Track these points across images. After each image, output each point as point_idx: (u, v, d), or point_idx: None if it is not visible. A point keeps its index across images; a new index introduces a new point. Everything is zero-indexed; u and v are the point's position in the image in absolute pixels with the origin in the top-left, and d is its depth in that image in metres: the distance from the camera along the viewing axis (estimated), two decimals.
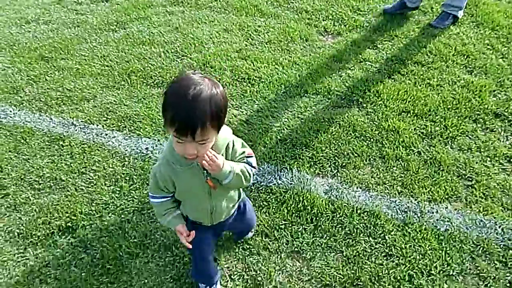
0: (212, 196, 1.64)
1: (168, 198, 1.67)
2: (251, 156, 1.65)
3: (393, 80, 3.26)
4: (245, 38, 3.77)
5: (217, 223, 1.77)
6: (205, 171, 1.53)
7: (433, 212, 2.33)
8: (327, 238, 2.21)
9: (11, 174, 2.59)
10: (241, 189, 1.80)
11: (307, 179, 2.51)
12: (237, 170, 1.56)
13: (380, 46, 3.64)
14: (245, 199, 1.91)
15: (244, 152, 1.63)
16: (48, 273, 2.11)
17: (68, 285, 2.05)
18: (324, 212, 2.32)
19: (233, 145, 1.59)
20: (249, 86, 3.24)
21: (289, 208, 2.34)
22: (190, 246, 1.65)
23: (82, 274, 2.09)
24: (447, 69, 3.35)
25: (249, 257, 2.13)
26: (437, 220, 2.29)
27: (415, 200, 2.39)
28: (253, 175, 1.64)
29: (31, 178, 2.56)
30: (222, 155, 1.55)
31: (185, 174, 1.55)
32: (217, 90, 1.38)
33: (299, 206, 2.35)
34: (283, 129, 2.86)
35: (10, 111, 3.05)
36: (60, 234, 2.27)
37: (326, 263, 2.10)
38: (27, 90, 3.24)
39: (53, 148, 2.76)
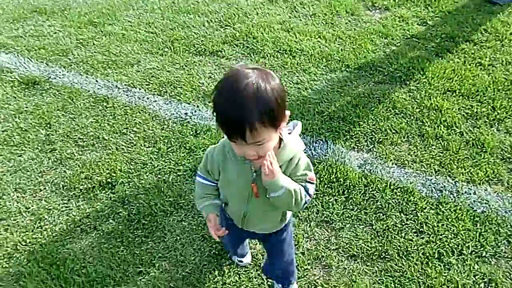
0: (250, 202, 1.50)
1: (213, 184, 1.57)
2: (312, 183, 1.46)
3: (440, 58, 3.18)
4: (289, 10, 3.77)
5: (248, 230, 1.64)
6: (254, 173, 1.41)
7: (470, 193, 2.30)
8: (358, 210, 2.24)
9: (58, 131, 2.78)
10: (287, 216, 1.64)
11: (342, 152, 2.53)
12: (291, 187, 1.38)
13: (430, 23, 3.53)
14: (288, 231, 1.72)
15: (306, 174, 1.44)
16: (88, 223, 2.28)
17: (106, 236, 2.21)
18: (356, 185, 2.34)
19: (298, 162, 1.42)
20: (290, 58, 3.26)
21: (321, 179, 2.38)
22: (217, 239, 1.56)
23: (119, 227, 2.24)
24: (502, 49, 3.22)
25: None
26: (474, 201, 2.26)
27: (452, 180, 2.36)
28: (305, 202, 1.44)
29: (76, 135, 2.74)
30: (281, 166, 1.39)
31: (234, 167, 1.44)
32: (269, 84, 1.21)
33: (332, 177, 2.38)
34: (321, 102, 2.88)
35: (59, 72, 3.24)
36: (100, 189, 2.43)
37: (354, 234, 2.14)
38: (76, 53, 3.42)
39: (97, 108, 2.92)
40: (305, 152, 2.50)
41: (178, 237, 2.18)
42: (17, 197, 2.40)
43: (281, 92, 1.24)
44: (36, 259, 2.10)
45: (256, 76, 1.21)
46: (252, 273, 2.01)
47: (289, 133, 1.43)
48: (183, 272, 2.04)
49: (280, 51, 3.34)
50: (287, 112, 1.30)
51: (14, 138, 2.73)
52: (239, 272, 2.02)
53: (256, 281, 1.99)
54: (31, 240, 2.20)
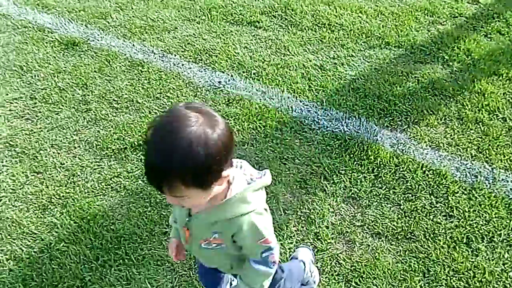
0: (188, 242, 1.32)
1: None
2: (270, 250, 1.24)
3: (489, 39, 3.06)
4: None
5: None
6: (189, 217, 1.25)
7: (507, 181, 2.24)
8: (386, 189, 2.23)
9: (94, 92, 2.87)
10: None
11: (375, 130, 2.51)
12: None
13: (482, 1, 3.40)
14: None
15: (257, 246, 1.22)
16: (118, 182, 2.37)
17: (135, 195, 2.30)
18: (387, 164, 2.33)
19: (242, 228, 1.18)
20: (328, 32, 3.22)
21: (351, 155, 2.38)
22: (175, 260, 1.45)
23: (148, 188, 2.33)
24: None
25: (305, 195, 2.23)
26: (510, 189, 2.21)
27: (489, 166, 2.31)
28: (270, 274, 1.28)
29: (111, 97, 2.83)
30: (217, 222, 1.20)
31: None
32: (207, 140, 1.02)
33: (362, 154, 2.38)
34: (358, 79, 2.84)
35: (98, 35, 3.33)
36: (132, 150, 2.51)
37: (381, 213, 2.14)
38: (114, 16, 3.49)
39: (132, 72, 3.00)
40: (336, 128, 2.51)
41: None
42: (53, 153, 2.53)
43: (218, 151, 1.04)
44: (68, 212, 2.22)
45: (197, 127, 1.02)
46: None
47: (249, 183, 1.21)
48: None
49: (318, 25, 3.30)
50: (225, 173, 1.11)
51: (52, 97, 2.85)
52: None
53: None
54: (64, 194, 2.31)
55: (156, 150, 1.05)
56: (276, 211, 2.19)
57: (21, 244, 2.08)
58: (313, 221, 2.13)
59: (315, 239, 2.07)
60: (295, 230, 2.11)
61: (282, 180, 2.31)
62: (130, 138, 2.56)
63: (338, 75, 2.88)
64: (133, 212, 2.22)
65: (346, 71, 2.91)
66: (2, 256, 2.02)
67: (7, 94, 2.88)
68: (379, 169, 2.31)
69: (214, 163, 1.05)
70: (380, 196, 2.21)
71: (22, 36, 3.33)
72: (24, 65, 3.08)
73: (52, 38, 3.30)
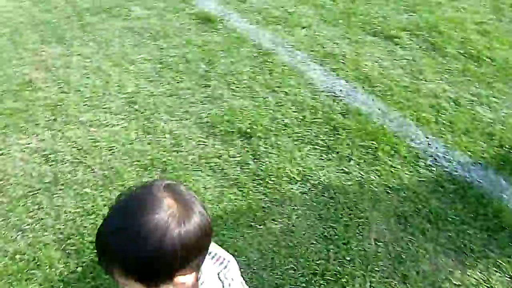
0: None
1: None
2: None
3: None
4: (493, 11, 3.45)
5: None
6: None
7: None
8: (500, 255, 2.03)
9: (216, 70, 3.03)
10: None
11: (502, 185, 2.29)
12: None
13: None
14: None
15: None
16: (218, 164, 2.47)
17: (230, 181, 2.37)
18: (508, 227, 2.11)
19: None
20: (474, 65, 3.02)
21: (466, 205, 2.20)
22: None
23: (244, 177, 2.38)
24: None
25: (402, 232, 2.12)
26: None
27: None
28: None
29: (231, 79, 2.96)
30: None
31: None
32: (165, 234, 0.89)
33: (479, 208, 2.19)
34: (496, 124, 2.62)
35: (233, 16, 3.50)
36: (238, 136, 2.60)
37: (485, 278, 1.96)
38: (254, 2, 3.64)
39: (257, 60, 3.10)
40: (456, 170, 2.34)
41: (295, 207, 2.24)
42: (166, 118, 2.71)
43: (173, 253, 0.91)
44: (165, 178, 2.37)
45: (162, 216, 0.90)
46: (358, 271, 1.99)
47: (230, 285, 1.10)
48: (289, 242, 2.11)
49: (465, 55, 3.10)
50: (181, 279, 0.96)
51: (178, 66, 3.06)
52: (343, 264, 2.01)
53: (359, 279, 1.96)
54: (165, 160, 2.48)
55: (109, 221, 0.95)
56: (365, 240, 2.12)
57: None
58: (404, 261, 2.02)
59: (401, 282, 1.96)
60: (381, 265, 2.02)
61: (381, 209, 2.22)
62: (239, 123, 2.65)
63: (473, 114, 2.68)
64: (224, 197, 2.30)
65: (484, 112, 2.69)
66: (101, 202, 2.24)
67: (139, 54, 3.16)
68: (496, 230, 2.11)
69: (164, 265, 0.92)
70: (490, 260, 2.01)
71: (166, 3, 3.62)
72: (160, 30, 3.35)
73: (191, 11, 3.55)
